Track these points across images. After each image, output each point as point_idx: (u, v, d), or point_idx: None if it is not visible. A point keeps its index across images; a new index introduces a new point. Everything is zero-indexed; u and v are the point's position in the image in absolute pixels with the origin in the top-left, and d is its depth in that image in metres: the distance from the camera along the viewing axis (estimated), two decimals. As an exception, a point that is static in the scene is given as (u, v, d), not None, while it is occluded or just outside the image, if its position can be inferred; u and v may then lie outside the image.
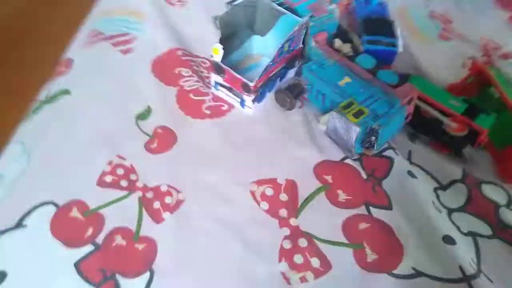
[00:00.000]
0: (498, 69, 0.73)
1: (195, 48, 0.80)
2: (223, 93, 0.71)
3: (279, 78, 0.73)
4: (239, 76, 0.65)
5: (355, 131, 0.60)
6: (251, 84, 0.65)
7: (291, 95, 0.69)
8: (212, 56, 0.67)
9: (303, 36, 0.71)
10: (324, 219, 0.58)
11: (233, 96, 0.69)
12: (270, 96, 0.72)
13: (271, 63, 0.65)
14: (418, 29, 0.91)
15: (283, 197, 0.60)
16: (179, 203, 0.57)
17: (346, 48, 0.71)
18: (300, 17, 0.71)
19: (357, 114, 0.61)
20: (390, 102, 0.62)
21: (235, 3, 0.68)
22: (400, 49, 0.76)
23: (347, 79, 0.66)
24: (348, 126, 0.61)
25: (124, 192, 0.58)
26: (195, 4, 0.90)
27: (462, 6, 0.97)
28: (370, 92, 0.64)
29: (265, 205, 0.59)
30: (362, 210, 0.60)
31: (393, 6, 0.94)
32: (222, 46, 0.65)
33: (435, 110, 0.66)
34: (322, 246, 0.55)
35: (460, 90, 0.75)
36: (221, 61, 0.69)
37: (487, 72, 0.70)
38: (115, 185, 0.58)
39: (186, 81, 0.73)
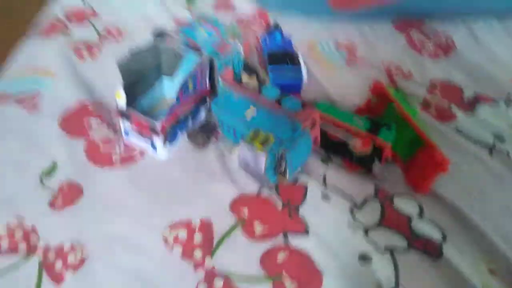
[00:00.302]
0: (396, 88, 0.78)
1: (107, 98, 0.79)
2: (134, 139, 0.69)
3: (191, 118, 0.72)
4: (144, 119, 0.65)
5: (262, 159, 0.61)
6: (158, 125, 0.64)
7: (203, 133, 0.69)
8: (116, 101, 0.66)
9: (208, 74, 0.72)
10: (241, 255, 0.56)
11: (144, 140, 0.68)
12: (183, 136, 0.72)
13: (176, 102, 0.65)
14: (326, 59, 0.95)
15: (198, 238, 0.58)
16: (83, 260, 0.54)
17: (253, 82, 0.73)
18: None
19: (263, 142, 0.62)
20: (294, 127, 0.64)
21: (135, 49, 0.68)
22: (305, 77, 0.79)
23: (253, 110, 0.67)
24: (256, 155, 0.61)
25: (21, 257, 0.53)
26: (106, 56, 0.89)
27: (365, 34, 1.04)
28: (274, 120, 0.65)
29: (178, 249, 0.56)
30: (279, 240, 0.59)
31: (302, 40, 0.99)
32: (123, 91, 0.65)
33: (340, 131, 0.68)
34: (240, 284, 0.53)
35: (367, 112, 0.78)
36: (130, 107, 0.69)
37: (385, 90, 0.74)
38: (12, 250, 0.54)
39: (96, 131, 0.72)
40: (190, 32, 0.82)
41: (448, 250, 0.59)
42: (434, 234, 0.61)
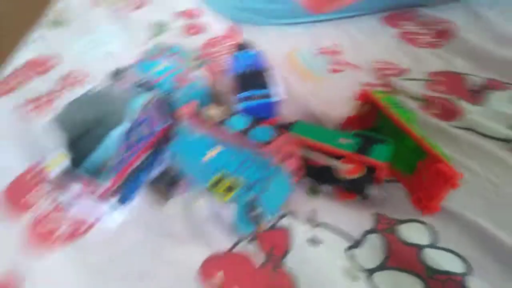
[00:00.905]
0: (389, 90, 0.66)
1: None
2: (83, 206, 0.60)
3: (149, 167, 0.63)
4: (89, 181, 0.56)
5: (229, 212, 0.51)
6: (105, 187, 0.55)
7: (162, 185, 0.59)
8: (54, 169, 0.57)
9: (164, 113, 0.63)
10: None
11: (94, 206, 0.59)
12: (141, 190, 0.62)
13: (122, 156, 0.56)
14: (306, 69, 0.85)
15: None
16: None
17: (219, 113, 0.63)
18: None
19: (229, 190, 0.52)
20: (264, 164, 0.54)
21: (73, 98, 0.60)
22: (281, 96, 0.69)
23: (216, 150, 0.57)
24: (220, 207, 0.51)
25: None
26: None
27: (350, 35, 0.93)
28: (242, 158, 0.55)
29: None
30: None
31: (280, 52, 0.89)
32: (66, 153, 0.56)
33: (323, 156, 0.57)
34: None
35: (358, 122, 0.68)
36: (77, 169, 0.60)
37: (373, 98, 0.63)
38: None
39: (39, 206, 0.63)
40: (148, 66, 0.74)
41: (474, 285, 0.47)
42: (453, 265, 0.50)
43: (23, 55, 0.95)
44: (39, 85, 0.87)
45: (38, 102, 0.82)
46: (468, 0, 0.96)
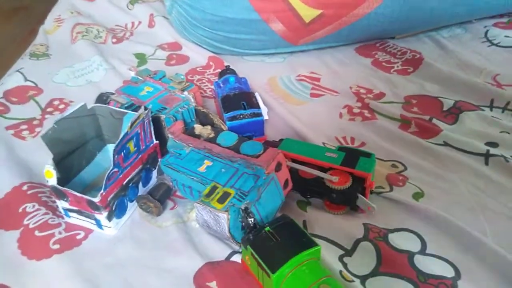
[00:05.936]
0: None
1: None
2: (76, 219, 0.59)
3: (140, 182, 0.63)
4: (80, 195, 0.55)
5: (224, 219, 0.51)
6: (96, 200, 0.54)
7: (153, 199, 0.59)
8: (47, 181, 0.57)
9: (153, 131, 0.64)
10: None
11: (86, 219, 0.58)
12: (133, 206, 0.62)
13: (114, 170, 0.55)
14: (288, 94, 0.88)
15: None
16: None
17: (207, 131, 0.64)
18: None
19: (222, 199, 0.52)
20: (256, 175, 0.54)
21: (64, 115, 0.60)
22: (265, 117, 0.71)
23: (207, 163, 0.58)
24: (215, 215, 0.51)
25: None
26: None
27: (327, 63, 0.98)
28: (232, 170, 0.56)
29: None
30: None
31: (261, 79, 0.93)
32: (53, 167, 0.56)
33: (312, 168, 0.59)
34: None
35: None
36: (70, 182, 0.60)
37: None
38: None
39: (32, 217, 0.61)
40: (132, 89, 0.75)
41: (465, 288, 0.48)
42: (444, 270, 0.51)
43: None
44: (17, 113, 0.85)
45: (22, 128, 0.80)
46: (432, 34, 1.05)
